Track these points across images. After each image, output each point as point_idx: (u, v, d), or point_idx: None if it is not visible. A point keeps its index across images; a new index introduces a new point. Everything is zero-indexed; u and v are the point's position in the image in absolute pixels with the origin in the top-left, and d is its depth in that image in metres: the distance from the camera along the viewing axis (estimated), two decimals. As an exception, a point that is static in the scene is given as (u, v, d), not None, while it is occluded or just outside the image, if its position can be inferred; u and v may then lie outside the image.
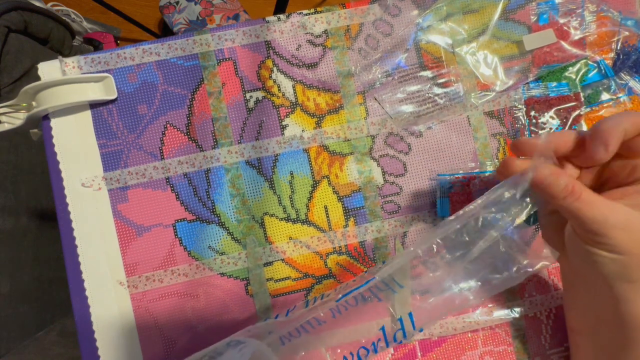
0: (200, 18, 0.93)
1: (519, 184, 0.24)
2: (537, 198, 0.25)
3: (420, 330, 0.27)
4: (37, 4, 0.65)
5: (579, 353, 0.30)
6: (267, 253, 0.33)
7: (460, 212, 0.26)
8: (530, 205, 0.25)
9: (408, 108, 0.34)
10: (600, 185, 0.27)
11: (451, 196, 0.33)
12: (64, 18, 0.72)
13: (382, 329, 0.27)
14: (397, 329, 0.26)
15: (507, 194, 0.25)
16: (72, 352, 0.54)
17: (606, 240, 0.22)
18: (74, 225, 0.32)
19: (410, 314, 0.26)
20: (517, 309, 0.33)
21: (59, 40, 0.69)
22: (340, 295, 0.27)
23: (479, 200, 0.26)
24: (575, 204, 0.22)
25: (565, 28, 0.34)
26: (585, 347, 0.29)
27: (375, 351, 0.26)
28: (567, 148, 0.25)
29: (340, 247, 0.33)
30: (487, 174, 0.33)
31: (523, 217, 0.25)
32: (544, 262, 0.25)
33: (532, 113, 0.34)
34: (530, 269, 0.25)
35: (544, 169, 0.23)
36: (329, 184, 0.33)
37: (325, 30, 0.34)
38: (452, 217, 0.26)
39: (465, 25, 0.34)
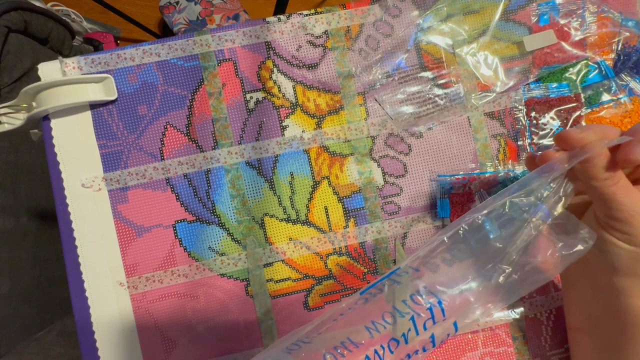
0: (200, 18, 0.93)
1: (557, 168, 0.24)
2: (567, 189, 0.25)
3: (455, 327, 0.26)
4: (37, 4, 0.65)
5: (579, 350, 0.30)
6: (267, 254, 0.33)
7: (481, 203, 0.25)
8: (563, 198, 0.25)
9: (408, 109, 0.33)
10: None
11: (451, 197, 0.33)
12: (64, 18, 0.72)
13: (412, 319, 0.26)
14: (427, 318, 0.26)
15: (542, 180, 0.24)
16: (72, 352, 0.54)
17: (629, 229, 0.23)
18: (74, 225, 0.32)
19: (439, 302, 0.26)
20: (518, 310, 0.33)
21: (59, 40, 0.68)
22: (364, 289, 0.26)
23: (505, 190, 0.25)
24: (612, 188, 0.23)
25: (566, 29, 0.34)
26: (586, 344, 0.29)
27: (406, 342, 0.26)
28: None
29: (340, 248, 0.33)
30: (487, 175, 0.33)
31: (559, 208, 0.25)
32: (581, 244, 0.25)
33: (533, 114, 0.34)
34: (565, 252, 0.25)
35: (603, 149, 0.24)
36: (329, 184, 0.33)
37: (326, 30, 0.34)
38: (478, 206, 0.25)
39: (465, 26, 0.34)
